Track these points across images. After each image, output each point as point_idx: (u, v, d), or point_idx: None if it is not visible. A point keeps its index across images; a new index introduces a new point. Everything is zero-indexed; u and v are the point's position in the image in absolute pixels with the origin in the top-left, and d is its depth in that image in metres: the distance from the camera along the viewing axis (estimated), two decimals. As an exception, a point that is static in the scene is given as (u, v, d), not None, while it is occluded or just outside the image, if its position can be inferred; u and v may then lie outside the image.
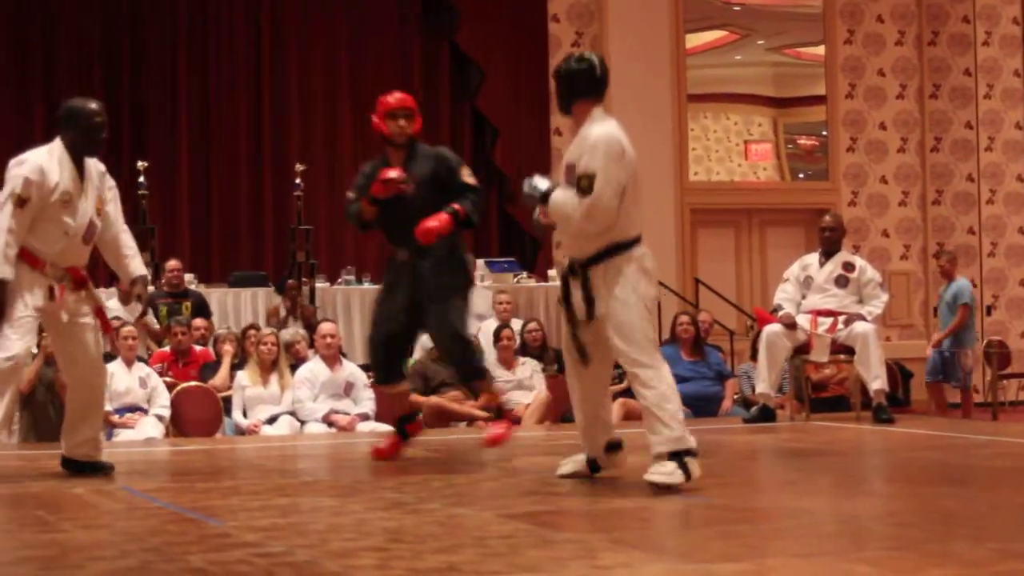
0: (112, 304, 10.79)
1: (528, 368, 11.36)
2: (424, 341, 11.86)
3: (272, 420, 10.41)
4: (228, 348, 11.33)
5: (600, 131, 6.00)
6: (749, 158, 17.12)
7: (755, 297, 16.35)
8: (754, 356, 11.27)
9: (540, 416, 10.89)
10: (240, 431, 10.49)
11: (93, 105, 6.76)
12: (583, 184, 5.92)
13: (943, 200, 17.45)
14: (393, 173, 7.27)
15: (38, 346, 9.21)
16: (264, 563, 4.17)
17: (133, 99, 15.31)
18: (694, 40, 16.65)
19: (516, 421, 7.30)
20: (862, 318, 9.80)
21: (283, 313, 12.63)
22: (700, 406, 11.00)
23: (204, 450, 8.78)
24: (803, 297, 10.01)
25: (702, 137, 16.82)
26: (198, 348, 11.55)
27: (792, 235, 16.72)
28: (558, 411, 10.78)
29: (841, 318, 9.82)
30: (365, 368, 10.47)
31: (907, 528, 4.93)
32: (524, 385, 11.18)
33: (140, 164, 13.46)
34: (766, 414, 9.83)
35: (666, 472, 5.78)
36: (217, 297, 13.05)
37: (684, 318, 11.85)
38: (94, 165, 6.79)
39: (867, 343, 9.67)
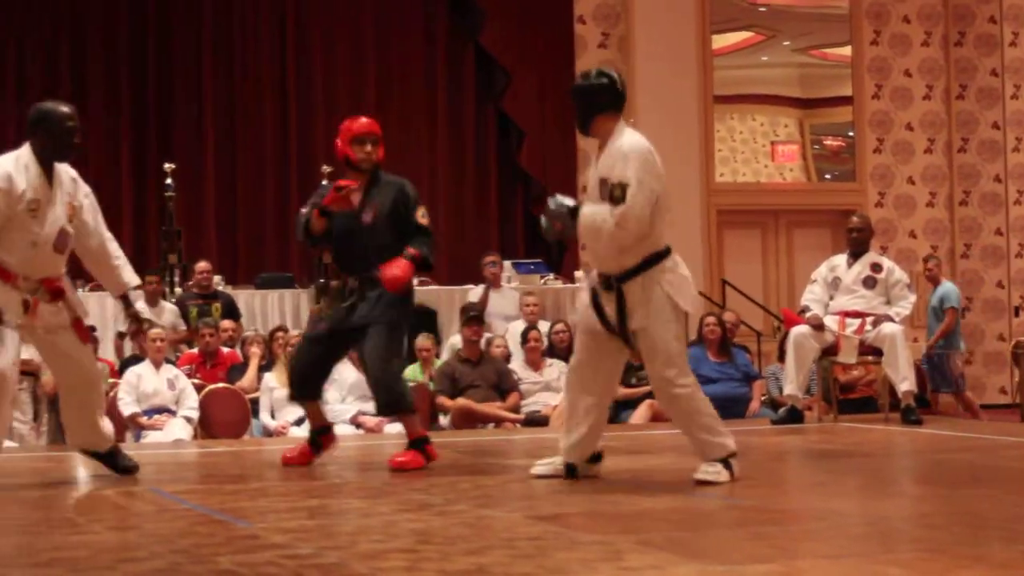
0: (140, 306, 10.82)
1: (555, 369, 11.34)
2: (454, 342, 11.91)
3: (300, 422, 10.40)
4: (256, 350, 11.36)
5: (632, 142, 6.04)
6: (775, 159, 17.07)
7: (782, 298, 16.29)
8: (781, 357, 11.24)
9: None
10: (268, 433, 10.53)
11: (64, 108, 6.44)
12: (616, 193, 5.94)
13: (970, 201, 17.36)
14: (346, 182, 7.14)
15: None
16: (292, 565, 4.17)
17: (160, 101, 15.39)
18: (720, 41, 16.60)
19: (429, 458, 7.15)
20: (890, 319, 9.76)
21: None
22: (727, 407, 10.88)
23: (232, 452, 8.80)
24: (831, 298, 9.99)
25: (728, 138, 16.78)
26: (226, 350, 11.58)
27: (819, 236, 16.67)
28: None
29: (869, 319, 9.78)
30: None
31: (937, 530, 4.91)
32: (552, 387, 11.18)
33: (167, 166, 13.52)
34: (794, 415, 9.81)
35: (714, 472, 6.10)
36: (244, 299, 13.05)
37: (710, 319, 11.81)
38: (65, 171, 6.49)
39: (895, 344, 9.64)
